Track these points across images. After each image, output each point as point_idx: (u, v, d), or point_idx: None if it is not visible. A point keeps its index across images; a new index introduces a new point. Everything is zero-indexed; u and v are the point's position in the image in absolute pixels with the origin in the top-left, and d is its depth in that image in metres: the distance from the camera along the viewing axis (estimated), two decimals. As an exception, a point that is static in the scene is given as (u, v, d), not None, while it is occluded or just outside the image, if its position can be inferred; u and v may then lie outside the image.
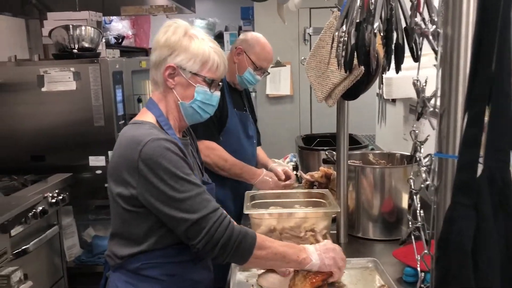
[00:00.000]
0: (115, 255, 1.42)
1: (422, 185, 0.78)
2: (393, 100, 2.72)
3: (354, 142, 2.68)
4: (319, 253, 1.45)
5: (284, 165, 2.91)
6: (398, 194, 1.87)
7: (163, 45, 1.41)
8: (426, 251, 0.76)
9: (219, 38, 5.29)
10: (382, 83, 2.10)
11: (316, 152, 2.62)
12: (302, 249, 1.45)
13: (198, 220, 1.29)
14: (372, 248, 1.86)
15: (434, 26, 0.72)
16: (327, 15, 1.81)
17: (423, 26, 0.79)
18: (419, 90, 0.82)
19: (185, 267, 1.43)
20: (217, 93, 1.49)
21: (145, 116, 1.44)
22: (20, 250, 2.39)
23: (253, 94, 4.78)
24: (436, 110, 0.72)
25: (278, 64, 4.69)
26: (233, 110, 2.37)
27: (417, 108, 0.82)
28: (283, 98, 4.81)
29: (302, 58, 4.98)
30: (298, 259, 1.42)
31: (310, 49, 5.02)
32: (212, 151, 2.25)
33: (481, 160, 0.64)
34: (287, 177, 2.40)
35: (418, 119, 0.82)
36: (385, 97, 2.49)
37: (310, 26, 4.73)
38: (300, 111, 4.83)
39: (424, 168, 0.79)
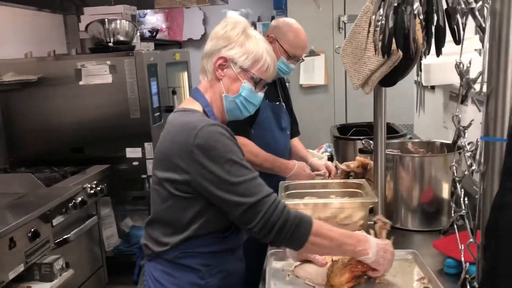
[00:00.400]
0: (156, 241, 1.42)
1: (466, 172, 0.74)
2: (432, 87, 2.63)
3: (391, 131, 2.61)
4: (379, 249, 1.41)
5: (320, 156, 2.87)
6: (438, 184, 1.81)
7: (220, 36, 1.44)
8: (471, 240, 0.72)
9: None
10: (421, 70, 2.04)
11: (352, 142, 2.56)
12: (363, 240, 1.41)
13: (254, 204, 1.29)
14: (411, 239, 1.81)
15: (481, 2, 0.68)
16: (362, 2, 1.75)
17: (466, 4, 0.74)
18: (463, 72, 0.78)
19: (222, 257, 1.44)
20: (261, 94, 1.50)
21: (193, 105, 1.46)
22: (61, 239, 2.47)
23: (287, 84, 4.74)
24: (483, 91, 0.68)
25: (312, 53, 4.63)
26: (266, 102, 2.31)
27: (460, 91, 0.78)
28: (317, 88, 4.74)
29: (337, 46, 4.91)
30: (355, 249, 1.39)
31: (345, 37, 4.92)
32: (243, 147, 2.19)
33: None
34: (329, 172, 2.32)
35: (462, 102, 0.78)
36: (424, 84, 2.41)
37: (344, 14, 4.63)
38: (335, 101, 4.75)
39: (468, 154, 0.75)
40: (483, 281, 0.65)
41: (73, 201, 2.56)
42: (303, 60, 2.37)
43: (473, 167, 0.71)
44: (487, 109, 0.66)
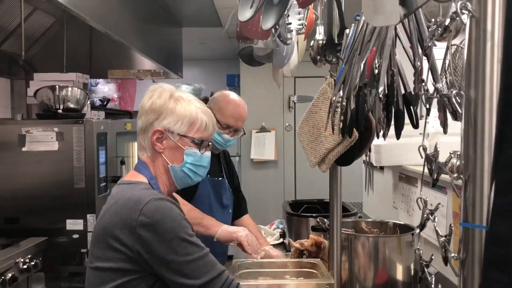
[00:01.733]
0: None
1: (445, 256, 0.72)
2: (381, 168, 2.71)
3: (343, 209, 2.62)
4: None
5: (272, 232, 2.82)
6: (393, 265, 1.80)
7: (148, 109, 1.39)
8: (451, 332, 0.69)
9: (204, 103, 5.34)
10: (370, 151, 2.10)
11: (304, 219, 2.55)
12: None
13: (202, 286, 1.24)
14: (367, 323, 1.76)
15: (456, 90, 0.70)
16: (311, 84, 1.82)
17: (437, 91, 0.77)
18: (430, 156, 0.79)
19: None
20: (208, 154, 1.47)
21: (137, 177, 1.40)
22: (-17, 322, 2.20)
23: (237, 158, 4.77)
24: (461, 177, 0.68)
25: (263, 129, 4.73)
26: (206, 177, 2.15)
27: (432, 174, 0.78)
28: (267, 163, 4.80)
29: (287, 124, 5.06)
30: None
31: (295, 115, 5.09)
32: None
33: None
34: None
35: (433, 185, 0.79)
36: (374, 164, 2.47)
37: (294, 94, 4.83)
38: (285, 176, 4.81)
39: (443, 239, 0.74)
40: None
41: (2, 277, 2.32)
42: (244, 133, 2.30)
43: (452, 255, 0.70)
44: (465, 195, 0.66)
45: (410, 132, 1.53)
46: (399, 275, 1.80)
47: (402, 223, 2.01)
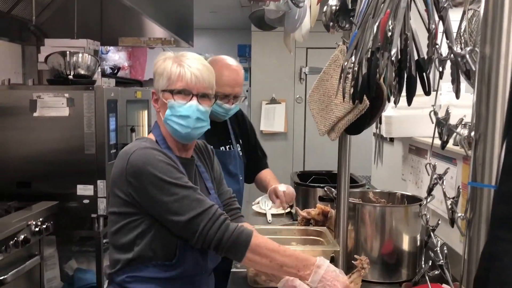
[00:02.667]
0: (110, 264, 1.49)
1: (451, 217, 0.72)
2: (391, 140, 2.69)
3: (351, 181, 2.61)
4: (326, 279, 1.37)
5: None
6: (399, 235, 1.80)
7: (153, 72, 1.55)
8: (454, 291, 0.69)
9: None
10: (380, 122, 2.09)
11: (312, 189, 2.55)
12: (311, 264, 1.39)
13: (188, 221, 1.34)
14: (371, 291, 1.78)
15: (470, 47, 0.69)
16: (324, 55, 1.80)
17: (451, 50, 0.75)
18: (440, 119, 0.78)
19: (175, 285, 1.44)
20: (191, 103, 1.48)
21: (148, 136, 1.57)
22: (-3, 280, 2.26)
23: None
24: (471, 136, 0.67)
25: (273, 101, 4.70)
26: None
27: (441, 136, 0.77)
28: (277, 135, 4.79)
29: (297, 96, 5.02)
30: (297, 273, 1.39)
31: (306, 87, 5.05)
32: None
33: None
34: (276, 196, 2.24)
35: (443, 147, 0.78)
36: (384, 136, 2.46)
37: (306, 66, 4.77)
38: (294, 148, 4.81)
39: (450, 201, 0.73)
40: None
41: (15, 238, 2.37)
42: (245, 97, 2.29)
43: (459, 214, 0.70)
44: (475, 155, 0.65)
45: (422, 103, 1.52)
46: (405, 245, 1.81)
47: (410, 194, 2.00)
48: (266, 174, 2.51)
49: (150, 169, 1.35)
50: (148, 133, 1.62)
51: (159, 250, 1.41)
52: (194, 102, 1.49)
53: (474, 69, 0.67)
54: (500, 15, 0.61)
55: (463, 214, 0.68)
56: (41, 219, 2.65)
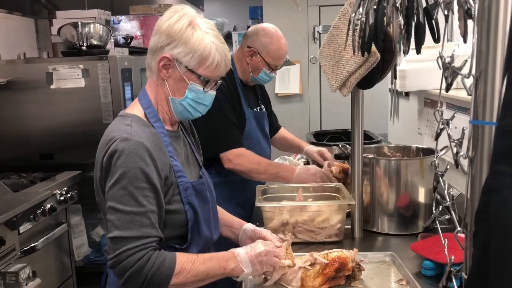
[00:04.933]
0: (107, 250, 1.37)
1: (451, 162, 0.73)
2: (407, 94, 2.67)
3: (367, 138, 2.63)
4: (251, 259, 1.34)
5: (297, 162, 2.86)
6: (415, 188, 1.81)
7: (163, 31, 1.31)
8: (459, 228, 0.71)
9: (227, 38, 5.26)
10: (395, 77, 2.06)
11: (328, 148, 2.56)
12: (231, 257, 1.33)
13: (115, 238, 1.20)
14: (388, 243, 1.81)
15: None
16: (337, 13, 1.76)
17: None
18: (445, 63, 0.78)
19: None
20: (212, 92, 1.39)
21: (134, 108, 1.37)
22: (28, 247, 2.36)
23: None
24: (472, 74, 0.67)
25: (288, 63, 4.64)
26: (249, 111, 2.26)
27: (446, 79, 0.77)
28: (292, 97, 4.77)
29: (312, 56, 4.96)
30: (225, 271, 1.32)
31: (320, 47, 4.97)
32: (243, 157, 2.12)
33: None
34: (324, 158, 2.29)
35: (447, 90, 0.77)
36: (398, 90, 2.44)
37: (319, 24, 4.69)
38: (310, 110, 4.79)
39: (454, 143, 0.74)
40: (474, 267, 0.64)
41: (42, 207, 2.46)
42: (281, 66, 2.36)
43: (461, 153, 0.70)
44: (476, 92, 0.65)
45: (435, 55, 1.49)
46: (421, 197, 1.82)
47: (425, 147, 2.00)
48: (285, 133, 2.61)
49: (120, 169, 1.21)
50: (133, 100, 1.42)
51: (171, 236, 1.33)
52: (214, 91, 1.40)
53: (473, 6, 0.66)
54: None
55: (465, 153, 0.69)
56: (65, 189, 2.74)
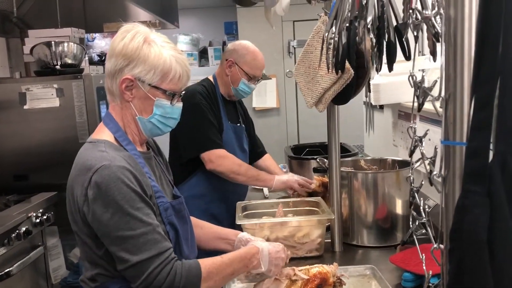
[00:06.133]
0: (84, 279, 1.36)
1: (425, 180, 0.75)
2: (381, 107, 2.72)
3: (344, 150, 2.66)
4: (271, 258, 1.41)
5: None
6: (392, 200, 1.84)
7: (119, 53, 1.28)
8: (435, 246, 0.72)
9: (203, 53, 5.28)
10: (369, 90, 2.10)
11: (306, 162, 2.59)
12: (255, 253, 1.40)
13: (138, 264, 1.19)
14: (368, 256, 1.83)
15: (435, 10, 0.70)
16: (311, 27, 1.80)
17: (420, 14, 0.77)
18: (417, 83, 0.80)
19: None
20: (179, 105, 1.38)
21: (101, 133, 1.34)
22: (3, 273, 2.30)
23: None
24: (442, 97, 0.70)
25: (264, 77, 4.67)
26: (228, 124, 2.33)
27: (414, 100, 0.80)
28: (269, 111, 4.80)
29: (288, 70, 5.00)
30: (247, 268, 1.39)
31: (295, 61, 5.02)
32: (224, 159, 2.19)
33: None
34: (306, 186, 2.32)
35: (419, 110, 0.80)
36: (373, 103, 2.48)
37: (294, 39, 4.75)
38: (287, 123, 4.82)
39: (428, 161, 0.76)
40: (451, 283, 0.66)
41: (17, 231, 2.40)
42: (261, 79, 2.43)
43: (434, 173, 0.73)
44: (446, 114, 0.68)
45: (407, 68, 1.53)
46: (399, 209, 1.85)
47: (401, 159, 2.04)
48: (269, 163, 2.62)
49: (113, 196, 1.19)
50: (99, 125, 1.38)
51: None
52: (180, 103, 1.38)
53: (440, 32, 0.68)
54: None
55: (438, 172, 0.71)
56: (41, 211, 2.68)
